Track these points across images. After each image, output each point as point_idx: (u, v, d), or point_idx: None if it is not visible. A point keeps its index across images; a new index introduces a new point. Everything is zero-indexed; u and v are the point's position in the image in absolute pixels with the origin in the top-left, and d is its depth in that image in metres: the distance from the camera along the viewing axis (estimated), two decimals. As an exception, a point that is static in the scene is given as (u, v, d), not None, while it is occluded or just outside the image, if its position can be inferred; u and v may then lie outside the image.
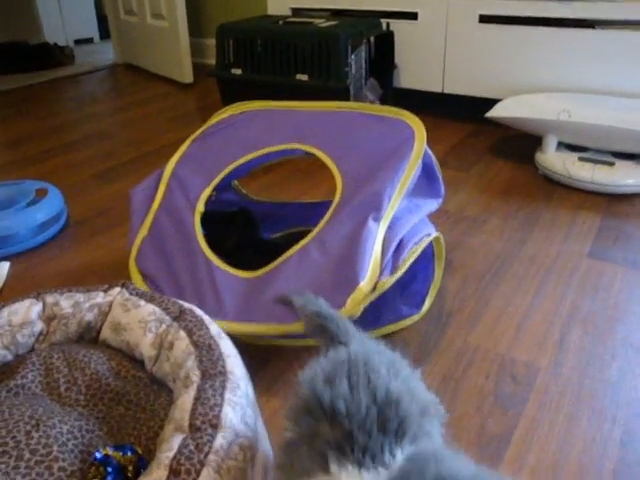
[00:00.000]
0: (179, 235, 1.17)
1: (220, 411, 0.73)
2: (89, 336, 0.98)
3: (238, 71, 2.30)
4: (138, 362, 0.93)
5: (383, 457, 0.51)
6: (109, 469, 0.70)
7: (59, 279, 1.39)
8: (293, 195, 1.75)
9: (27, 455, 0.71)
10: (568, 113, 1.81)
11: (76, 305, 0.97)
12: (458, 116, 2.39)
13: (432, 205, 1.25)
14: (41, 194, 1.62)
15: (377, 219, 1.07)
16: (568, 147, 1.86)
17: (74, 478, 0.70)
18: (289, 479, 0.56)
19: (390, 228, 1.08)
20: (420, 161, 1.17)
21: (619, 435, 0.94)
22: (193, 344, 0.85)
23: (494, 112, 1.93)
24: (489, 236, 1.52)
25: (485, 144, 2.13)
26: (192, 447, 0.68)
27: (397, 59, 2.35)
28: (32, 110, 2.76)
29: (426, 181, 1.28)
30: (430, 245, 1.23)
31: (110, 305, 0.97)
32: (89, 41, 4.85)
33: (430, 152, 1.24)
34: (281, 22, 2.33)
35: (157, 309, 0.94)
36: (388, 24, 2.35)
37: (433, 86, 2.25)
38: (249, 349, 1.11)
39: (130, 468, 0.70)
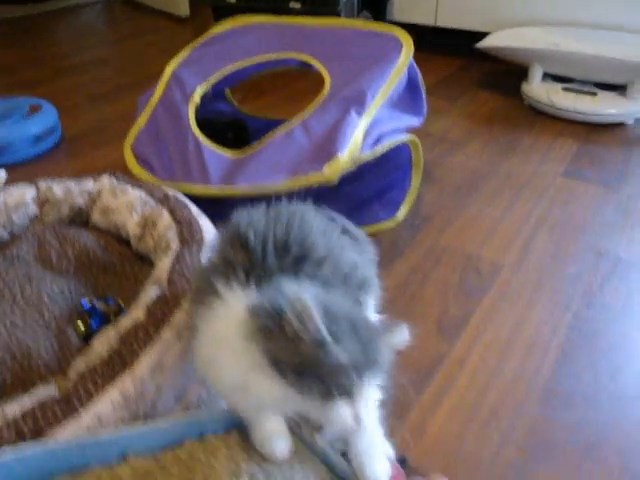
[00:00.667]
0: (174, 124, 1.23)
1: (196, 270, 0.80)
2: (80, 220, 1.04)
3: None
4: (125, 242, 1.00)
5: (271, 281, 0.56)
6: (94, 316, 0.77)
7: (54, 186, 1.45)
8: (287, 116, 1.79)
9: (21, 302, 0.78)
10: (556, 44, 1.83)
11: (67, 191, 1.03)
12: (449, 51, 2.41)
13: (413, 120, 1.30)
14: (35, 110, 1.66)
15: (360, 113, 1.12)
16: (554, 78, 1.89)
17: (62, 321, 0.77)
18: (191, 302, 0.62)
19: (371, 125, 1.13)
20: (405, 69, 1.22)
21: (569, 320, 1.02)
22: (175, 220, 0.92)
23: (485, 42, 1.95)
24: (469, 156, 1.57)
25: (473, 77, 2.16)
26: (168, 294, 0.75)
27: (392, -7, 2.35)
28: (28, 39, 2.77)
29: (409, 96, 1.32)
30: (408, 156, 1.29)
31: (100, 191, 1.03)
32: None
33: (416, 67, 1.29)
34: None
35: (143, 194, 1.00)
36: (384, -43, 2.34)
37: (426, 19, 2.26)
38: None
39: (112, 317, 0.78)
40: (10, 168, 1.32)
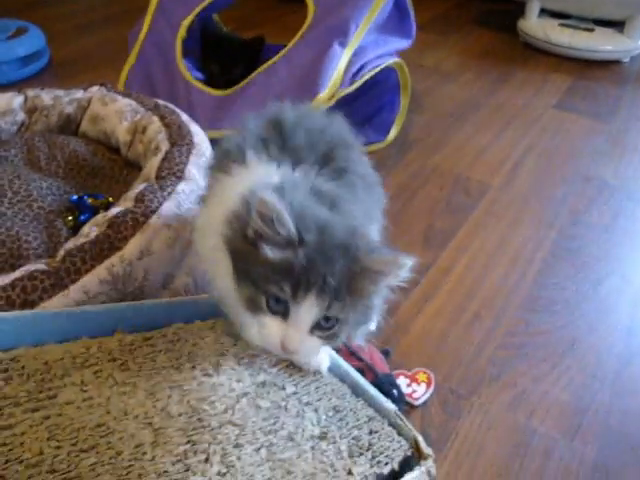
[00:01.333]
0: (163, 61, 1.22)
1: (185, 167, 0.80)
2: (69, 130, 1.03)
3: None
4: (114, 150, 0.99)
5: (303, 161, 0.54)
6: (83, 210, 0.77)
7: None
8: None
9: (10, 194, 0.78)
10: (553, -23, 1.80)
11: (56, 98, 1.02)
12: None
13: (401, 43, 1.29)
14: (21, 33, 1.62)
15: (343, 44, 1.11)
16: (551, 15, 1.87)
17: (52, 215, 0.78)
18: (210, 171, 0.61)
19: (355, 54, 1.12)
20: None
21: (554, 236, 1.03)
22: (165, 125, 0.91)
23: (481, -23, 1.92)
24: (461, 87, 1.56)
25: (469, 15, 2.13)
26: (156, 187, 0.75)
27: None
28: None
29: (397, 17, 1.30)
30: (397, 79, 1.28)
31: (89, 100, 1.02)
32: None
33: None
34: None
35: (133, 102, 0.99)
36: None
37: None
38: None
39: (102, 211, 0.78)
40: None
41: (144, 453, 0.45)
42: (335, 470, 0.49)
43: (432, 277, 0.93)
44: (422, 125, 1.35)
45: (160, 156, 0.83)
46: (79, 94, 1.03)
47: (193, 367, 0.55)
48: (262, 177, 0.52)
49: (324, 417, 0.55)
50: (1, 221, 0.74)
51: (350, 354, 0.69)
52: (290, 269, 0.47)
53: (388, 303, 0.85)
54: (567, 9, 1.80)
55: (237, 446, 0.49)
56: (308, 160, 0.55)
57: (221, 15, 1.46)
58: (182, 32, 1.24)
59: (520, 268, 0.95)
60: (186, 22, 1.26)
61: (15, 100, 1.01)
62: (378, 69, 1.13)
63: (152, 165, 0.81)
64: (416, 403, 0.72)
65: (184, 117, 0.94)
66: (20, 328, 0.55)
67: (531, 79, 1.64)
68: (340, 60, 1.10)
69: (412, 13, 1.30)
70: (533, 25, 1.83)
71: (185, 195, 0.76)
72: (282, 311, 0.48)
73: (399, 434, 0.56)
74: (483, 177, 1.17)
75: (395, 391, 0.70)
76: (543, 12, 1.87)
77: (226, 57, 1.31)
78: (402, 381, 0.73)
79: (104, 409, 0.48)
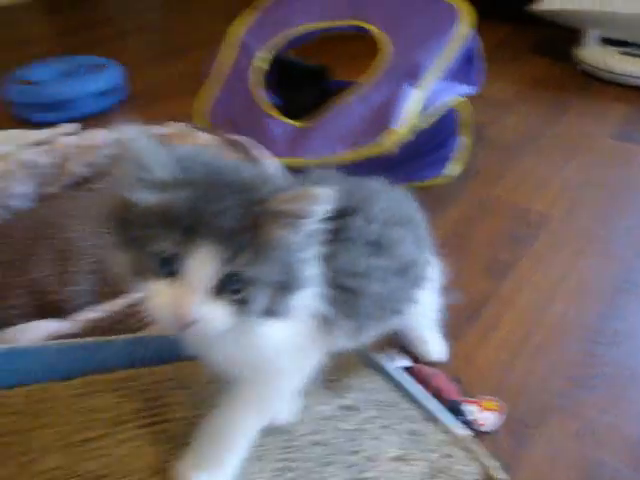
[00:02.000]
0: (244, 93, 1.32)
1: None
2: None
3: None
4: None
5: None
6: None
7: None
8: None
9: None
10: (613, 5, 1.81)
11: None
12: (496, 17, 2.40)
13: (466, 90, 1.33)
14: (100, 69, 1.74)
15: (412, 85, 1.18)
16: (608, 42, 1.87)
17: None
18: None
19: (427, 97, 1.19)
20: (463, 41, 1.25)
21: (617, 267, 1.05)
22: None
23: (539, 5, 1.94)
24: (519, 117, 1.60)
25: (523, 43, 2.15)
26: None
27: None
28: (81, 3, 2.88)
29: (466, 67, 1.35)
30: (456, 117, 1.32)
31: (170, 135, 1.11)
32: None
33: (477, 38, 1.31)
34: None
35: (215, 138, 1.07)
36: None
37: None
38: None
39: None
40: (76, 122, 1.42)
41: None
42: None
43: (495, 308, 0.96)
44: (482, 157, 1.38)
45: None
46: (161, 130, 1.12)
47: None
48: None
49: (402, 440, 0.60)
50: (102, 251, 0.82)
51: (422, 380, 0.73)
52: (172, 215, 0.39)
53: (453, 332, 0.89)
54: (627, 37, 1.81)
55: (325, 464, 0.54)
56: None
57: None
58: (259, 64, 1.34)
59: (583, 300, 0.98)
60: (263, 55, 1.36)
61: (110, 135, 1.10)
62: (449, 105, 1.20)
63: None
64: (482, 429, 0.75)
65: (255, 152, 1.02)
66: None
67: (590, 108, 1.65)
68: (410, 99, 1.17)
69: (481, 63, 1.35)
70: (592, 53, 1.84)
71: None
72: (171, 271, 0.40)
73: (472, 459, 0.60)
74: (544, 208, 1.20)
75: (463, 417, 0.73)
76: (600, 40, 1.88)
77: (291, 83, 1.40)
78: (472, 408, 0.76)
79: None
